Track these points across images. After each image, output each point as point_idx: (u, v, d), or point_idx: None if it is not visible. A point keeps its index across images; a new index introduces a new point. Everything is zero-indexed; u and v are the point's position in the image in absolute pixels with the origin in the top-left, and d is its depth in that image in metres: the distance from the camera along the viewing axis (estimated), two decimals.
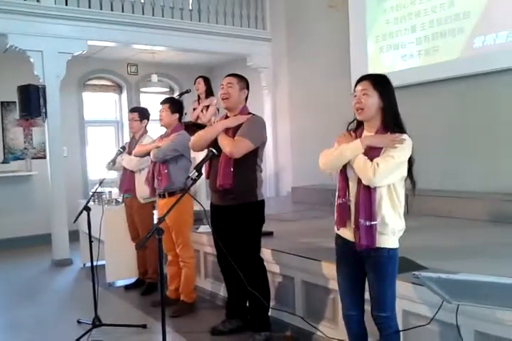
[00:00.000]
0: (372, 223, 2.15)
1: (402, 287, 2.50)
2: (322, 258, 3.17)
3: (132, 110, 4.69)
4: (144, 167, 4.34)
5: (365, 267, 2.28)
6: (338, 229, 2.35)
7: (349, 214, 2.25)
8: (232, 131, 3.14)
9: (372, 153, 2.18)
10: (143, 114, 4.60)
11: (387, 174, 2.12)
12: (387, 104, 2.23)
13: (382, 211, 2.17)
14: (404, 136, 2.19)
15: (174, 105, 3.98)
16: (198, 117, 5.27)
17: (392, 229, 2.19)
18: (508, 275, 1.83)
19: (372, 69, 6.09)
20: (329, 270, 3.05)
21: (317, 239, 3.81)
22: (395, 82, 2.34)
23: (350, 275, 2.35)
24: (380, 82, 2.26)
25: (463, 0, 5.23)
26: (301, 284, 3.35)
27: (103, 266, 4.63)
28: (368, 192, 2.16)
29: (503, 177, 4.88)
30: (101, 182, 4.01)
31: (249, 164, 3.10)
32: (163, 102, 3.99)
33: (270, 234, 4.09)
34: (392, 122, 2.22)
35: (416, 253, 2.82)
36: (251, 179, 3.16)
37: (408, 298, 2.54)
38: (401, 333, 2.35)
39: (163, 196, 3.91)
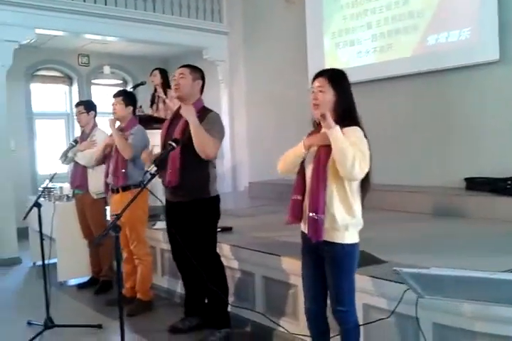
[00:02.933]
0: (318, 216, 2.17)
1: (362, 281, 2.52)
2: (281, 253, 3.17)
3: (77, 104, 4.57)
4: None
5: (324, 262, 2.29)
6: (289, 223, 2.35)
7: (301, 209, 2.29)
8: (183, 124, 3.08)
9: (323, 150, 2.19)
10: (88, 106, 4.47)
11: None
12: (342, 99, 2.25)
13: (334, 206, 2.19)
14: (356, 128, 2.21)
15: (128, 98, 3.87)
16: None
17: (343, 225, 2.20)
18: (453, 266, 1.91)
19: (329, 66, 6.01)
20: (289, 265, 3.05)
21: (275, 233, 3.81)
22: (350, 78, 2.36)
23: (312, 269, 2.35)
24: (335, 79, 2.28)
25: None
26: (261, 279, 3.34)
27: (54, 264, 4.47)
28: (317, 187, 2.19)
29: (453, 173, 5.04)
30: (52, 177, 3.87)
31: (199, 160, 3.06)
32: (116, 95, 3.88)
33: (229, 229, 4.05)
34: (346, 116, 2.24)
35: (371, 247, 2.85)
36: (202, 175, 3.13)
37: (368, 291, 2.57)
38: (361, 326, 2.38)
39: (117, 191, 3.80)
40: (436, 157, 5.23)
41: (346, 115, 2.25)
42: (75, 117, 4.56)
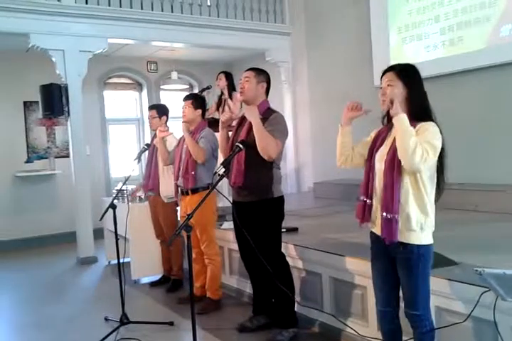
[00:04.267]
0: (393, 216, 2.11)
1: (436, 283, 2.43)
2: (349, 253, 3.13)
3: (150, 108, 4.68)
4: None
5: (396, 264, 2.22)
6: (360, 225, 2.32)
7: (370, 210, 2.25)
8: (248, 125, 3.12)
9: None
10: (161, 111, 4.59)
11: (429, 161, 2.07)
12: (413, 94, 2.18)
13: (409, 205, 2.12)
14: (430, 123, 2.14)
15: (197, 101, 3.95)
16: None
17: (419, 225, 2.13)
18: None
19: (395, 61, 5.87)
20: (357, 265, 3.01)
21: (342, 234, 3.78)
22: None
23: (383, 271, 2.29)
24: (404, 72, 2.21)
25: None
26: (328, 280, 3.31)
27: (128, 263, 4.65)
28: (391, 185, 2.12)
29: None
30: (126, 180, 4.01)
31: (263, 161, 3.08)
32: (186, 98, 3.96)
33: (295, 229, 4.05)
34: (418, 112, 2.17)
35: (444, 248, 2.74)
36: (266, 176, 3.15)
37: (442, 294, 2.47)
38: (436, 331, 2.30)
39: (187, 193, 3.89)
40: (509, 154, 4.95)
41: (419, 110, 2.17)
42: (148, 120, 4.69)
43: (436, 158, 2.12)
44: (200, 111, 3.95)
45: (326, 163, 6.64)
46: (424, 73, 2.30)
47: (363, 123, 2.50)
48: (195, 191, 3.84)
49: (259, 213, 3.17)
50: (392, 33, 6.16)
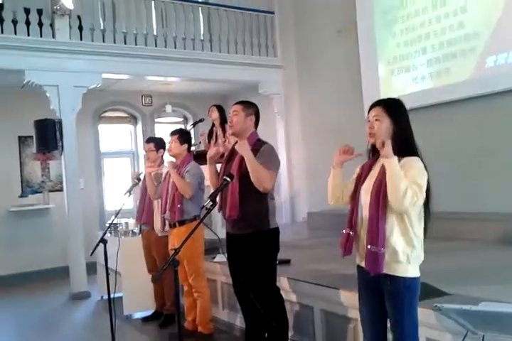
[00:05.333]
0: (379, 249, 2.11)
1: (425, 314, 2.41)
2: (340, 286, 3.10)
3: (148, 141, 4.73)
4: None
5: (384, 296, 2.21)
6: (342, 256, 2.32)
7: (351, 243, 2.26)
8: (239, 158, 3.15)
9: (381, 180, 2.14)
10: (159, 144, 4.63)
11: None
12: (399, 129, 2.21)
13: (394, 238, 2.13)
14: (415, 158, 2.16)
15: (183, 136, 4.03)
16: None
17: (405, 257, 2.13)
18: None
19: (384, 93, 6.09)
20: (348, 298, 2.97)
21: (334, 266, 3.73)
22: (407, 105, 2.32)
23: (370, 304, 2.27)
24: (391, 107, 2.26)
25: (472, 20, 5.23)
26: (320, 313, 3.27)
27: (121, 298, 4.59)
28: (377, 218, 2.13)
29: None
30: (117, 214, 4.02)
31: (257, 193, 3.08)
32: (172, 133, 4.06)
33: (287, 262, 4.02)
34: (403, 146, 2.19)
35: (436, 278, 2.73)
36: (261, 207, 3.14)
37: (431, 325, 2.44)
38: None
39: (174, 226, 3.90)
40: (504, 182, 4.98)
41: (404, 144, 2.20)
42: (145, 153, 4.72)
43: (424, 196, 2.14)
44: (186, 145, 4.02)
45: (320, 193, 6.58)
46: (413, 104, 2.35)
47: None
48: (181, 223, 3.86)
49: (255, 246, 3.13)
50: (381, 65, 6.30)
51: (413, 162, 2.15)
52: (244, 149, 3.07)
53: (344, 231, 2.30)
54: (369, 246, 2.14)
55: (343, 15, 6.68)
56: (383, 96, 5.94)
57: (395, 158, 2.09)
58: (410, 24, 5.88)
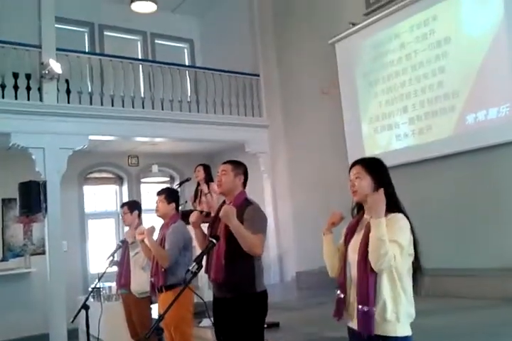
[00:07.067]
0: (370, 308, 2.05)
1: None
2: None
3: (122, 205, 4.77)
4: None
5: None
6: (337, 320, 2.24)
7: (344, 305, 2.20)
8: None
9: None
10: (132, 207, 4.63)
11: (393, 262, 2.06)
12: (380, 185, 2.21)
13: (383, 296, 2.07)
14: (400, 215, 2.14)
15: (169, 196, 3.99)
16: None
17: (394, 315, 2.06)
18: None
19: (369, 150, 6.17)
20: None
21: (324, 327, 3.61)
22: (391, 162, 2.34)
23: None
24: (371, 166, 2.29)
25: (450, 80, 5.41)
26: None
27: None
28: (366, 277, 2.09)
29: (510, 253, 4.71)
30: (100, 278, 3.90)
31: (244, 254, 2.99)
32: (159, 193, 4.01)
33: (276, 325, 3.86)
34: (387, 203, 2.17)
35: (429, 337, 2.61)
36: (247, 270, 3.04)
37: None
38: None
39: (161, 290, 3.75)
40: (488, 238, 4.95)
41: (387, 201, 2.18)
42: (121, 217, 4.71)
43: (410, 252, 2.11)
44: (173, 204, 3.97)
45: (309, 249, 6.53)
46: (397, 160, 2.38)
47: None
48: (168, 288, 3.70)
49: (241, 310, 3.00)
50: (364, 124, 6.43)
51: (397, 219, 2.13)
52: (228, 218, 2.98)
53: (337, 294, 2.23)
54: (360, 306, 2.08)
55: (326, 76, 6.89)
56: (368, 153, 6.07)
57: (384, 220, 2.07)
58: (391, 84, 6.07)
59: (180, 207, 4.96)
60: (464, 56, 5.28)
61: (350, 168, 2.32)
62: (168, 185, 8.62)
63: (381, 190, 2.12)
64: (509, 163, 4.88)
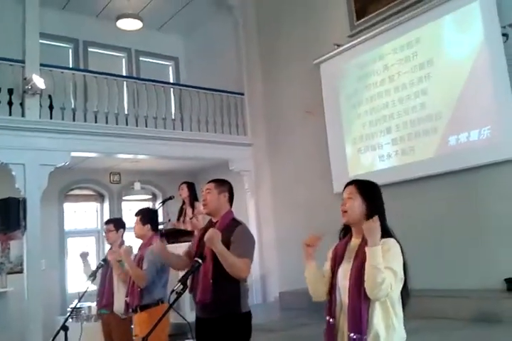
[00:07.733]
0: (362, 337, 2.02)
1: None
2: None
3: (107, 222, 4.65)
4: None
5: None
6: None
7: (334, 330, 2.15)
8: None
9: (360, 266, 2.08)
10: (118, 225, 4.54)
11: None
12: (372, 209, 2.20)
13: (374, 323, 2.04)
14: (392, 240, 2.13)
15: (145, 217, 3.94)
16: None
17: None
18: None
19: (352, 170, 6.21)
20: None
21: None
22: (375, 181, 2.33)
23: None
24: (364, 187, 2.27)
25: (433, 102, 5.50)
26: None
27: None
28: (359, 305, 2.05)
29: (493, 274, 4.76)
30: (80, 298, 3.80)
31: (230, 275, 2.95)
32: (135, 215, 3.98)
33: None
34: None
35: None
36: (234, 290, 2.98)
37: None
38: None
39: (135, 310, 3.67)
40: (472, 258, 5.00)
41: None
42: (104, 234, 4.60)
43: (401, 277, 2.08)
44: (148, 225, 3.91)
45: (293, 269, 6.46)
46: (380, 181, 2.35)
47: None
48: (143, 308, 3.62)
49: (226, 330, 2.94)
50: (348, 144, 6.47)
51: (390, 245, 2.10)
52: (213, 243, 2.93)
53: (327, 319, 2.18)
54: (351, 334, 2.03)
55: (310, 96, 6.95)
56: (351, 173, 6.10)
57: (380, 248, 2.04)
58: (375, 105, 6.15)
59: (162, 226, 4.92)
60: (446, 78, 5.38)
61: (344, 188, 2.30)
62: (149, 203, 8.54)
63: (376, 218, 2.08)
64: (491, 184, 4.95)
